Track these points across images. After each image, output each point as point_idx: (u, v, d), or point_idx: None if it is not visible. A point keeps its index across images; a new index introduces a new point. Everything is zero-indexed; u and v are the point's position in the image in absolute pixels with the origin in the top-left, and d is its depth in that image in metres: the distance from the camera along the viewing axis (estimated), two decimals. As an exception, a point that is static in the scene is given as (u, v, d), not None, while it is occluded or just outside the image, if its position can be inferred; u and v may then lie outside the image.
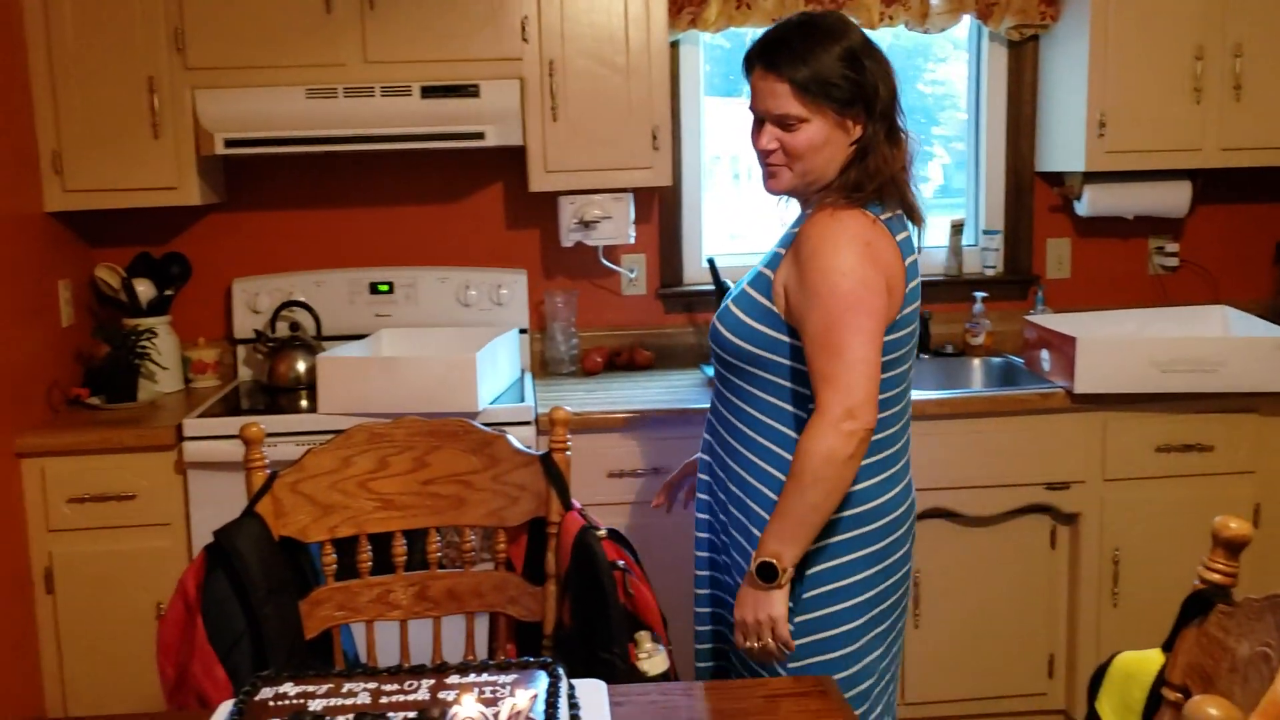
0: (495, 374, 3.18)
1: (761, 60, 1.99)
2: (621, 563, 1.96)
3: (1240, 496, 3.21)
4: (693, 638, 2.27)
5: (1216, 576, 1.50)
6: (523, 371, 3.57)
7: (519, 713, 1.39)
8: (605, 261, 3.69)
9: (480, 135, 3.21)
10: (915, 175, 2.10)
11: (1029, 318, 3.47)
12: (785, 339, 2.00)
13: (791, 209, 2.16)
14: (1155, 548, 3.20)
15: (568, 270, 3.74)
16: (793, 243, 2.01)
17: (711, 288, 3.57)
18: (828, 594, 2.02)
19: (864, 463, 1.96)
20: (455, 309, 3.61)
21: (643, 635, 1.93)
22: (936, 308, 3.77)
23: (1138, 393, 3.12)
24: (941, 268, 3.87)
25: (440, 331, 3.51)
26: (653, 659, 1.91)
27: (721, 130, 3.86)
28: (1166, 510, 3.20)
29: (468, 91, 3.21)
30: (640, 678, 1.89)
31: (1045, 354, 3.29)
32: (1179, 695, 1.50)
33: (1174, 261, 3.85)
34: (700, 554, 2.23)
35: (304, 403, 3.24)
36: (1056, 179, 3.81)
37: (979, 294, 3.72)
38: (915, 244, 2.10)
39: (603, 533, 1.99)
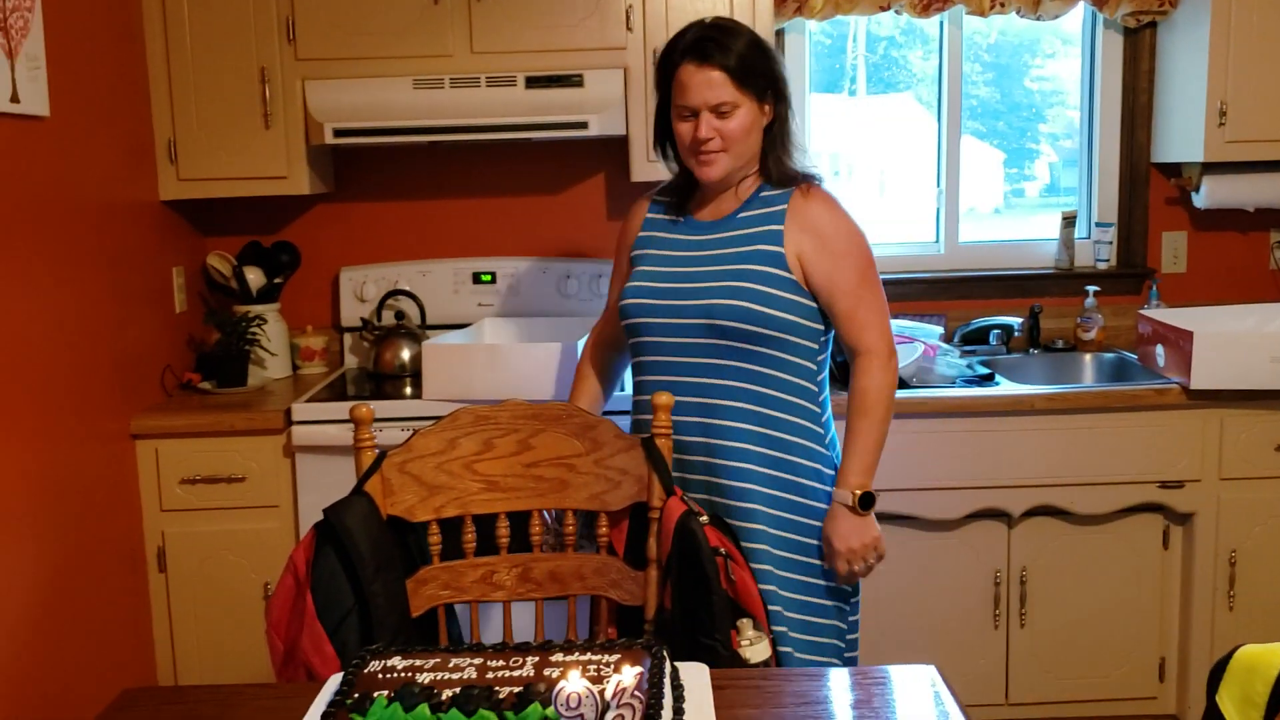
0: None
1: (693, 55, 2.19)
2: (723, 549, 1.94)
3: (1365, 498, 3.08)
4: None
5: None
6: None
7: (624, 690, 1.38)
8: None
9: (583, 125, 3.21)
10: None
11: (1143, 312, 3.37)
12: (813, 304, 2.24)
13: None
14: (1274, 549, 3.10)
15: (669, 261, 3.73)
16: (790, 218, 2.23)
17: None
18: None
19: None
20: (555, 299, 3.63)
21: (745, 623, 1.92)
22: (1047, 302, 3.69)
23: (1257, 389, 3.01)
24: (1052, 261, 3.78)
25: (541, 321, 3.53)
26: (755, 646, 1.91)
27: (820, 127, 3.83)
28: (1287, 511, 3.09)
29: (571, 81, 3.22)
30: (742, 664, 1.88)
31: (1160, 349, 3.19)
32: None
33: (1297, 256, 3.73)
34: None
35: (408, 390, 3.28)
36: (1173, 170, 3.70)
37: (1091, 288, 3.63)
38: None
39: (705, 519, 1.98)
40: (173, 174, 3.27)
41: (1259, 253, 3.76)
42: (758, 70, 2.20)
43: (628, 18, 3.22)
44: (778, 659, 2.05)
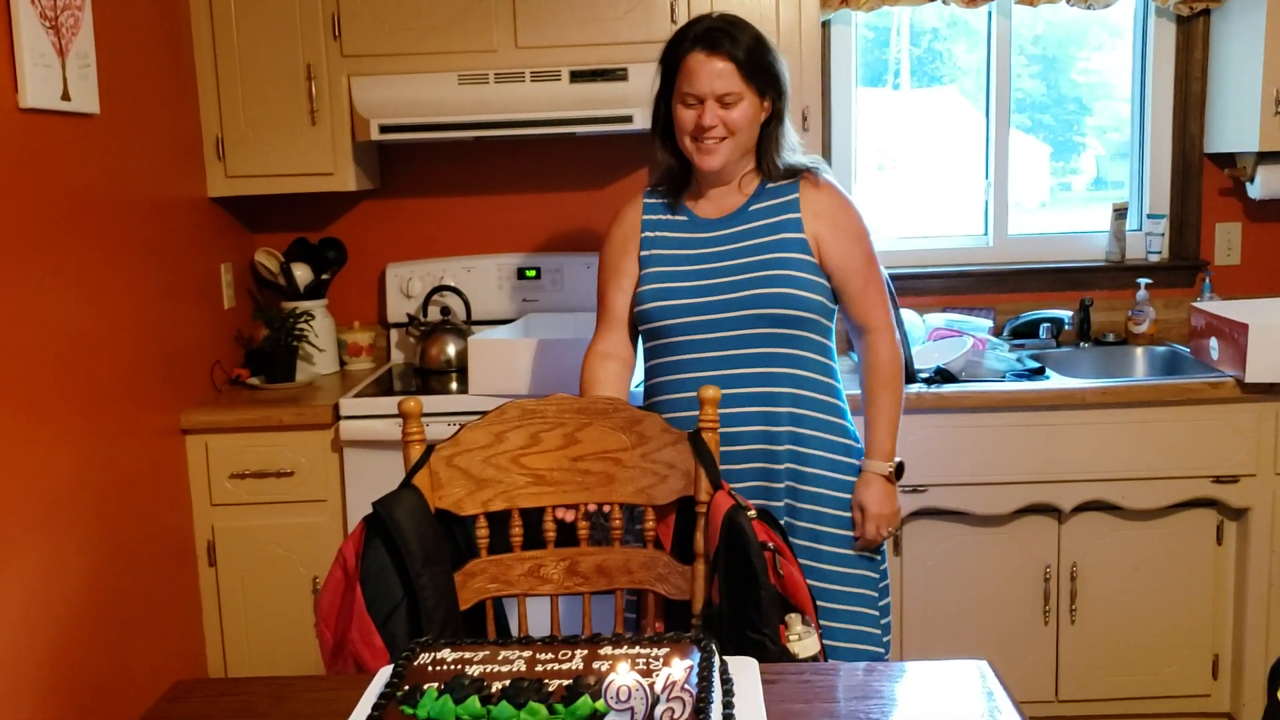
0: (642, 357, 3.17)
1: (703, 45, 2.26)
2: (771, 544, 1.93)
3: None
4: None
5: None
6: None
7: (674, 684, 1.37)
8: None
9: (628, 118, 3.20)
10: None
11: (1196, 305, 3.32)
12: (829, 285, 2.34)
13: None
14: (1332, 546, 3.04)
15: (714, 255, 3.71)
16: (804, 204, 2.33)
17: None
18: None
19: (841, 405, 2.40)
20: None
21: (793, 617, 1.90)
22: (1097, 294, 3.65)
23: (1314, 382, 2.96)
24: (1103, 253, 3.73)
25: (585, 316, 3.51)
26: (804, 641, 1.88)
27: (864, 121, 3.80)
28: (1345, 507, 3.03)
29: (616, 75, 3.21)
30: (791, 659, 1.87)
31: (1214, 342, 3.14)
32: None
33: (1355, 247, 3.66)
34: None
35: (454, 385, 3.29)
36: (1227, 160, 3.64)
37: (1143, 280, 3.58)
38: None
39: (753, 513, 1.96)
40: (220, 171, 3.30)
41: (1316, 244, 3.69)
42: (762, 65, 2.28)
43: (672, 10, 3.21)
44: (824, 652, 2.03)
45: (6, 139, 2.28)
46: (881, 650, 2.37)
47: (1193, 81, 3.63)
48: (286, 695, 1.72)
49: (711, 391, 2.10)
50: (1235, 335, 3.02)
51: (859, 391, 2.46)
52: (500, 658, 1.54)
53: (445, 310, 3.60)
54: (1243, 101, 3.40)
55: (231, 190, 3.33)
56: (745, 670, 1.63)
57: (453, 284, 3.61)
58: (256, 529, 3.11)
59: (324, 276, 3.60)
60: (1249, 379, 2.97)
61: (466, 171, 3.70)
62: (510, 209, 3.72)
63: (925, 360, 3.16)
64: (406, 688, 1.46)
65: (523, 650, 1.56)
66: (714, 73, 2.24)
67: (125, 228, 2.80)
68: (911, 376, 3.06)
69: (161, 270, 3.00)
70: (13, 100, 2.31)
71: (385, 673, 1.62)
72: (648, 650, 1.55)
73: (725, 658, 1.61)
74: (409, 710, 1.41)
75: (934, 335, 3.36)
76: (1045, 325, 3.57)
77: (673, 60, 2.30)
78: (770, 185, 2.37)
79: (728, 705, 1.46)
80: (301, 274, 3.56)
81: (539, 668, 1.51)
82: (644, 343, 2.45)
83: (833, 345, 2.40)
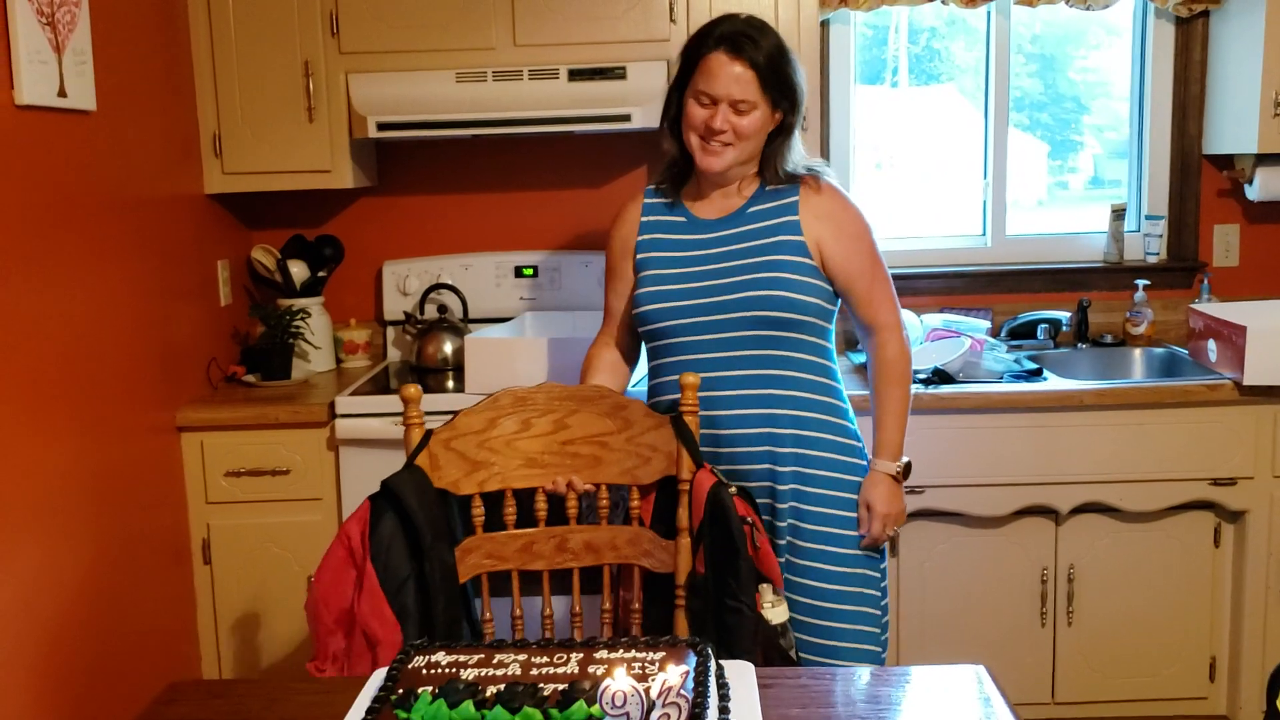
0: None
1: (727, 46, 2.24)
2: (749, 519, 2.07)
3: None
4: None
5: None
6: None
7: (670, 689, 1.37)
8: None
9: (626, 117, 3.19)
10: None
11: (1195, 306, 3.32)
12: (829, 287, 2.34)
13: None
14: (1330, 549, 3.04)
15: (712, 255, 3.71)
16: (804, 207, 2.32)
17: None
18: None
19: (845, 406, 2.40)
20: (597, 293, 3.58)
21: (765, 587, 2.06)
22: (1095, 296, 3.65)
23: (1313, 385, 2.96)
24: (1100, 254, 3.73)
25: (583, 315, 3.52)
26: (776, 608, 2.07)
27: (862, 119, 3.79)
28: (1343, 510, 3.03)
29: (614, 74, 3.21)
30: (765, 624, 2.03)
31: (1212, 344, 3.14)
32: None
33: (1353, 249, 3.65)
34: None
35: (450, 383, 3.28)
36: (1226, 162, 3.64)
37: (1140, 282, 3.58)
38: None
39: (734, 490, 2.09)
40: (217, 168, 3.29)
41: (1314, 246, 3.69)
42: (781, 77, 2.27)
43: (671, 9, 3.20)
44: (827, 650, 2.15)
45: (3, 136, 2.27)
46: (879, 650, 2.38)
47: (1191, 83, 3.63)
48: (280, 698, 1.72)
49: (690, 378, 2.20)
50: (1233, 337, 3.01)
51: (861, 391, 2.45)
52: (495, 661, 1.53)
53: (442, 308, 3.59)
54: (1241, 103, 3.39)
55: (228, 187, 3.32)
56: (741, 675, 1.62)
57: (450, 282, 3.60)
58: (252, 527, 3.10)
59: (321, 274, 3.60)
60: (1247, 381, 2.96)
61: (464, 170, 3.69)
62: (508, 207, 3.71)
63: (923, 361, 3.15)
64: (400, 691, 1.45)
65: (518, 654, 1.56)
66: (733, 77, 2.24)
67: (122, 225, 2.79)
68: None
69: (158, 267, 2.99)
70: (9, 97, 2.29)
71: (379, 676, 1.61)
72: (643, 655, 1.55)
73: (722, 662, 1.61)
74: (403, 714, 1.40)
75: (931, 336, 3.36)
76: (1043, 326, 3.57)
77: (694, 55, 2.29)
78: (769, 189, 2.37)
79: (724, 710, 1.45)
80: (298, 271, 3.55)
81: (534, 671, 1.51)
82: (645, 343, 2.47)
83: (832, 346, 2.39)
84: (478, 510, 2.17)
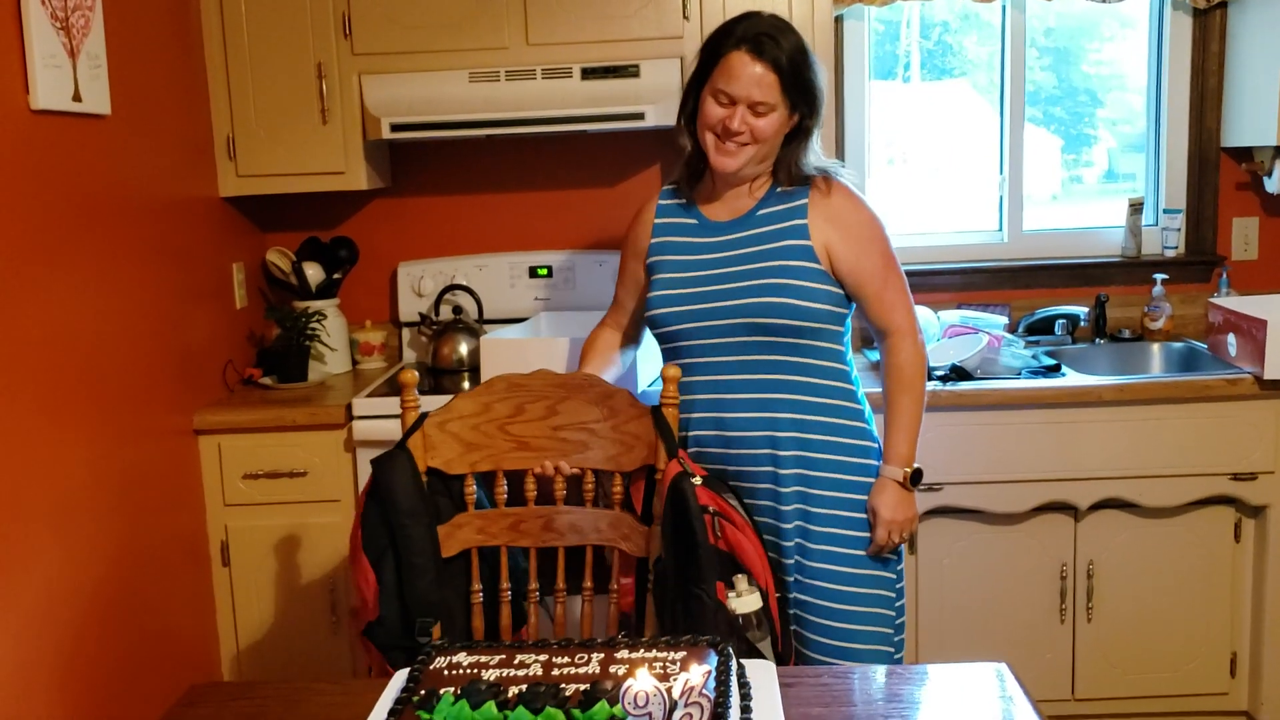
0: (654, 355, 3.16)
1: (750, 46, 2.22)
2: (712, 507, 2.10)
3: None
4: None
5: None
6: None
7: (692, 689, 1.36)
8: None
9: (640, 115, 3.18)
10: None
11: (1214, 300, 3.30)
12: (840, 291, 2.31)
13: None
14: (1352, 543, 3.02)
15: (726, 253, 3.70)
16: (813, 210, 2.29)
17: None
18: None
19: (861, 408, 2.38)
20: (611, 293, 3.60)
21: (739, 578, 2.08)
22: (1113, 290, 3.63)
23: (1334, 378, 2.94)
24: (1118, 248, 3.71)
25: (598, 315, 3.48)
26: (743, 598, 2.06)
27: (875, 114, 3.78)
28: (1365, 504, 3.01)
29: (628, 72, 3.20)
30: (727, 614, 2.04)
31: (1232, 338, 3.12)
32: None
33: (1373, 241, 3.62)
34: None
35: (466, 384, 3.28)
36: (1244, 154, 3.61)
37: (1159, 276, 3.56)
38: None
39: (698, 480, 2.12)
40: (232, 170, 3.29)
41: (1334, 239, 3.67)
42: (802, 80, 2.25)
43: (684, 7, 3.19)
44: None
45: (18, 140, 2.28)
46: (893, 651, 2.37)
47: (1209, 75, 3.61)
48: (301, 699, 1.72)
49: (672, 370, 2.29)
50: (1254, 331, 2.99)
51: (879, 389, 2.45)
52: (516, 662, 1.53)
53: (457, 309, 3.59)
54: (1260, 95, 3.37)
55: (243, 190, 3.32)
56: (763, 674, 1.62)
57: (464, 283, 3.60)
58: (270, 529, 3.10)
59: (336, 276, 3.60)
60: (1268, 375, 2.94)
61: (478, 170, 3.69)
62: (522, 207, 3.71)
63: (940, 358, 3.14)
64: (423, 692, 1.45)
65: (539, 654, 1.55)
66: (754, 78, 2.21)
67: (137, 228, 2.79)
68: (927, 374, 3.05)
69: (173, 270, 2.99)
70: (24, 102, 2.30)
71: (401, 677, 1.61)
72: (665, 654, 1.54)
73: (743, 661, 1.61)
74: (425, 716, 1.40)
75: (949, 332, 3.34)
76: (1061, 321, 3.55)
77: (715, 52, 2.26)
78: (780, 190, 2.34)
79: (745, 710, 1.45)
80: (313, 273, 3.55)
81: (555, 672, 1.50)
82: (660, 345, 2.47)
83: (845, 348, 2.37)
84: (469, 489, 2.29)
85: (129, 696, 2.59)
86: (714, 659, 1.52)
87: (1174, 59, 3.64)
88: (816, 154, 2.36)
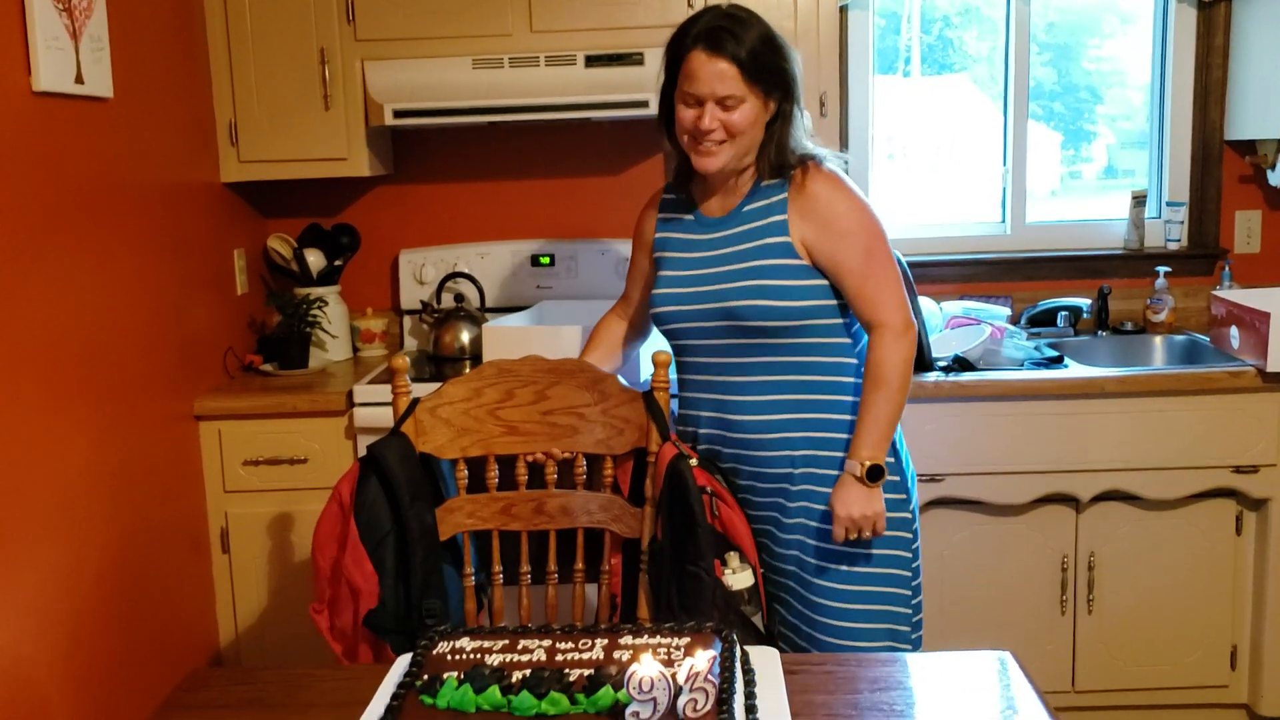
0: (656, 344, 3.16)
1: (706, 44, 2.17)
2: (709, 488, 2.14)
3: None
4: None
5: None
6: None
7: (697, 674, 1.36)
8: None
9: (644, 103, 3.16)
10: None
11: (1216, 293, 3.29)
12: (827, 283, 2.24)
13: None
14: (1353, 537, 3.02)
15: (729, 242, 3.69)
16: (791, 204, 2.24)
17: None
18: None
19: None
20: (614, 282, 3.59)
21: (731, 555, 2.14)
22: (1115, 283, 3.62)
23: (1337, 372, 2.94)
24: (1121, 241, 3.71)
25: (600, 304, 3.48)
26: (738, 575, 2.13)
27: (876, 106, 3.77)
28: (1367, 497, 3.01)
29: (631, 59, 3.19)
30: (724, 590, 2.10)
31: (1234, 331, 3.12)
32: None
33: (1377, 235, 3.62)
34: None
35: (468, 372, 3.26)
36: (1247, 147, 3.60)
37: (1161, 269, 3.55)
38: None
39: (694, 461, 2.16)
40: (234, 156, 3.28)
41: (1337, 232, 3.66)
42: (767, 66, 2.19)
43: (689, -6, 3.19)
44: (816, 635, 2.20)
45: (19, 122, 2.27)
46: (909, 649, 2.33)
47: (1213, 68, 3.60)
48: (302, 685, 1.71)
49: (662, 356, 2.33)
50: (1256, 324, 2.99)
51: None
52: (520, 647, 1.53)
53: (459, 297, 3.58)
54: (1264, 88, 3.36)
55: (245, 175, 3.31)
56: (767, 661, 1.62)
57: (466, 270, 3.59)
58: (270, 516, 3.10)
59: (337, 263, 3.59)
60: (1270, 368, 2.94)
61: (481, 157, 3.68)
62: (525, 195, 3.70)
63: (943, 349, 3.14)
64: (426, 677, 1.45)
65: (542, 639, 1.55)
66: (715, 74, 2.16)
67: (138, 213, 2.78)
68: (929, 365, 3.04)
69: (174, 256, 2.98)
70: (25, 83, 2.29)
71: (404, 661, 1.61)
72: (669, 640, 1.54)
73: (748, 648, 1.60)
74: (429, 700, 1.40)
75: (951, 323, 3.34)
76: (1063, 313, 3.55)
77: (675, 56, 2.23)
78: (765, 184, 2.29)
79: (750, 696, 1.45)
80: (315, 260, 3.54)
81: (559, 657, 1.50)
82: (668, 340, 2.45)
83: (846, 340, 2.30)
84: (461, 473, 2.32)
85: (129, 681, 2.59)
86: (718, 645, 1.52)
87: (1178, 51, 3.64)
88: (801, 141, 2.28)
